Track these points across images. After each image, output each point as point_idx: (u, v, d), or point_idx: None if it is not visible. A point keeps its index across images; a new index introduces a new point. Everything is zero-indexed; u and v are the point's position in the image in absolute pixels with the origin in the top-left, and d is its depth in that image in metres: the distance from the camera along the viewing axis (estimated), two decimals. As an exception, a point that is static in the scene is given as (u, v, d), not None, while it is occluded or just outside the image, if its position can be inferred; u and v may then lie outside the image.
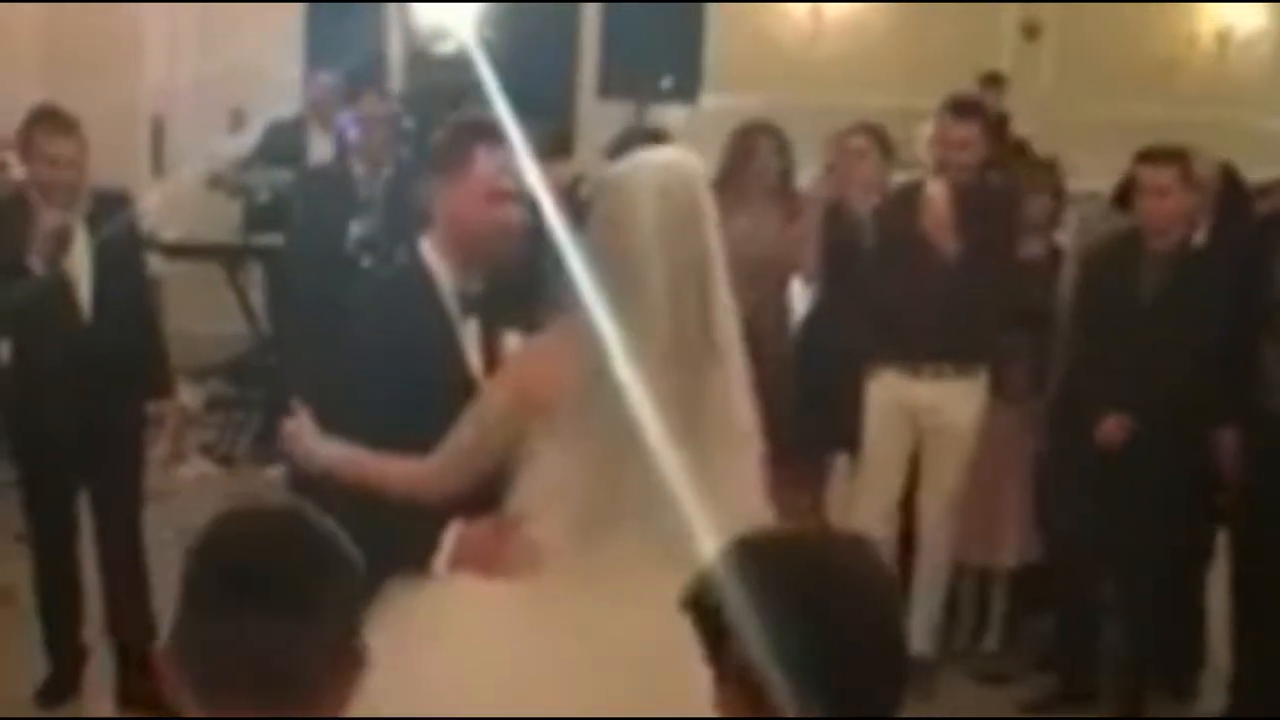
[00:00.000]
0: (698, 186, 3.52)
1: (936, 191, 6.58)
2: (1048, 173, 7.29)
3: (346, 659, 2.24)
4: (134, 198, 6.48)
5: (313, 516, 2.29)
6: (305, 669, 2.19)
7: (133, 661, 6.32)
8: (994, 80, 13.39)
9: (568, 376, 3.46)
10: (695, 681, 2.32)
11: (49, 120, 5.97)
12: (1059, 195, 7.17)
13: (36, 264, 5.85)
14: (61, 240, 5.90)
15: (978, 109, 6.89)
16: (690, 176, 3.52)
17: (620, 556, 3.40)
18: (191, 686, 2.21)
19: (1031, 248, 6.96)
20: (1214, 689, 6.69)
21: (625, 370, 3.35)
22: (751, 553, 2.29)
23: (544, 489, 3.50)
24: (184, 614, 2.23)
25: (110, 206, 6.15)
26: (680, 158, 3.63)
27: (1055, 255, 7.04)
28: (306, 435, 3.82)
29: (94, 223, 6.03)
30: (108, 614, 6.39)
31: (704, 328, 3.48)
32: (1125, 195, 7.18)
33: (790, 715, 2.18)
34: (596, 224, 3.52)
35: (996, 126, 7.14)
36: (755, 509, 3.48)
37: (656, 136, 7.13)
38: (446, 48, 8.10)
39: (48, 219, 5.86)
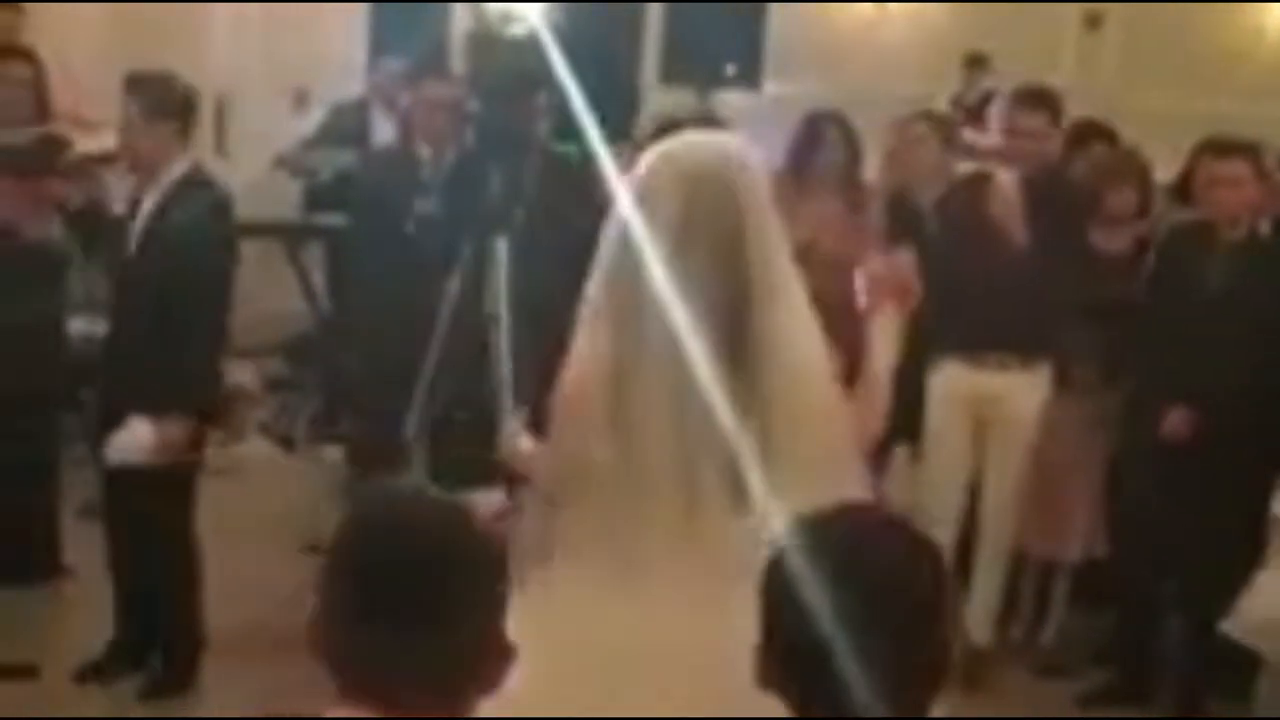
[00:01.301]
0: (725, 165, 3.49)
1: (1005, 181, 6.55)
2: (1132, 164, 7.24)
3: (492, 656, 2.22)
4: (213, 183, 6.26)
5: (456, 515, 2.25)
6: (451, 672, 2.18)
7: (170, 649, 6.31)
8: (977, 61, 13.31)
9: (597, 370, 3.46)
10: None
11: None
12: (1144, 187, 7.11)
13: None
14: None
15: (1047, 99, 6.85)
16: (715, 155, 3.52)
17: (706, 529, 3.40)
18: (332, 674, 2.19)
19: (1115, 241, 6.93)
20: (1276, 691, 6.63)
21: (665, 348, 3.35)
22: (796, 537, 2.28)
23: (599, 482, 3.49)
24: (325, 610, 2.20)
25: (193, 189, 6.06)
26: (709, 138, 3.68)
27: (1143, 248, 6.98)
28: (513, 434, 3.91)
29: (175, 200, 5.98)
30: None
31: (738, 303, 3.44)
32: (1185, 187, 7.14)
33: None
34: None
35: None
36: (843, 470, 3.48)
37: (708, 121, 7.11)
38: (514, 31, 8.11)
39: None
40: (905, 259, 3.81)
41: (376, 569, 2.17)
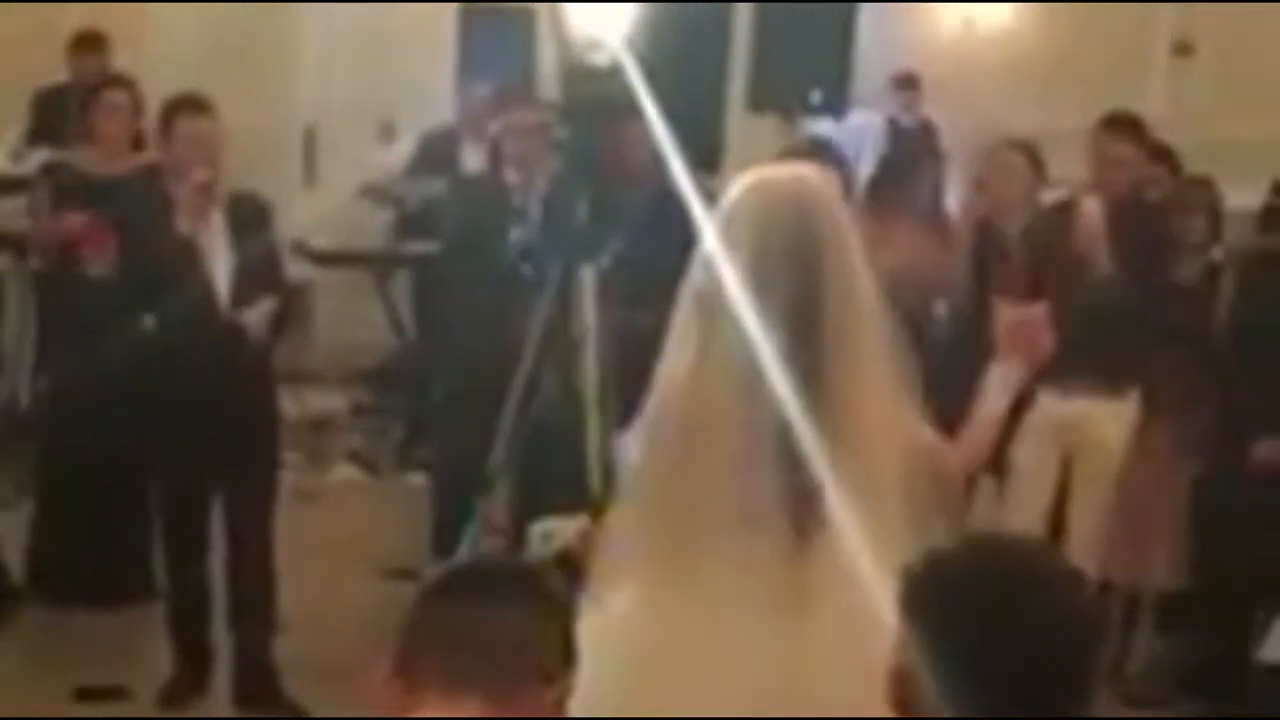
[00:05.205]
0: (799, 203, 3.46)
1: (1092, 208, 6.53)
2: (1203, 191, 7.21)
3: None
4: (270, 204, 6.39)
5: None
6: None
7: (253, 660, 6.27)
8: (909, 82, 13.13)
9: (674, 389, 3.46)
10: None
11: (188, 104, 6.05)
12: (1213, 215, 7.08)
13: (184, 223, 5.87)
14: (206, 197, 5.90)
15: (1134, 126, 6.83)
16: (789, 191, 3.49)
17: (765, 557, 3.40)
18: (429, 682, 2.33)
19: (1186, 268, 6.90)
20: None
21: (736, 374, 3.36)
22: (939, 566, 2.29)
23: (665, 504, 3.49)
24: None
25: (249, 209, 6.18)
26: (787, 172, 3.64)
27: (1213, 274, 6.95)
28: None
29: (233, 221, 6.07)
30: (232, 611, 6.30)
31: (812, 338, 3.40)
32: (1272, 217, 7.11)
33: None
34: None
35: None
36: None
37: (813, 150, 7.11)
38: (599, 59, 8.08)
39: (195, 175, 5.87)
40: (1039, 312, 3.76)
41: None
